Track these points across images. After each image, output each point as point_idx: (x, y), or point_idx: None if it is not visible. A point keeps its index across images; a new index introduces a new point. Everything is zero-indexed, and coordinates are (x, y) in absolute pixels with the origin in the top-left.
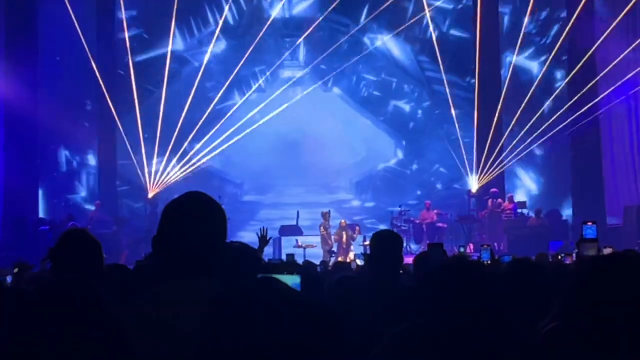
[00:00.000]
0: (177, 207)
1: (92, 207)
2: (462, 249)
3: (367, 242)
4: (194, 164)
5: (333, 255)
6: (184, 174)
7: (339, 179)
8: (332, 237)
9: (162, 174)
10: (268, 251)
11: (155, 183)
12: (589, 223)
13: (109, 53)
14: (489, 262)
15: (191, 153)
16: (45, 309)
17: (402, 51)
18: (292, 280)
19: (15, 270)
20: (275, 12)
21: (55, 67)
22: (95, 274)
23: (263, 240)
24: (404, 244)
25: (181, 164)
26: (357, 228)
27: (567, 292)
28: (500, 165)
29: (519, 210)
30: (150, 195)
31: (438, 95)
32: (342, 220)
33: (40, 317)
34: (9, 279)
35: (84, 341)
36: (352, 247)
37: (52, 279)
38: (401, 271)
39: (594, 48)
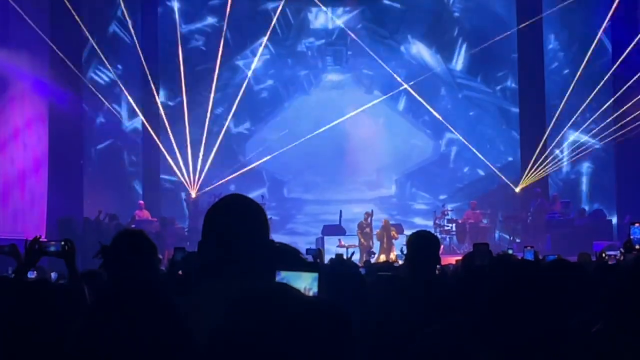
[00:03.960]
0: (219, 211)
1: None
2: (510, 251)
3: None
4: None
5: (373, 255)
6: (233, 175)
7: (382, 178)
8: (374, 236)
9: (205, 175)
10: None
11: (197, 182)
12: (637, 224)
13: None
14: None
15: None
16: (115, 309)
17: (433, 60)
18: (310, 277)
19: None
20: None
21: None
22: (150, 275)
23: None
24: (447, 244)
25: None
26: (394, 230)
27: (612, 293)
28: (544, 165)
29: (563, 210)
30: (193, 194)
31: (469, 99)
32: (385, 220)
33: (111, 317)
34: (53, 276)
35: (152, 342)
36: (393, 247)
37: (116, 279)
38: (438, 272)
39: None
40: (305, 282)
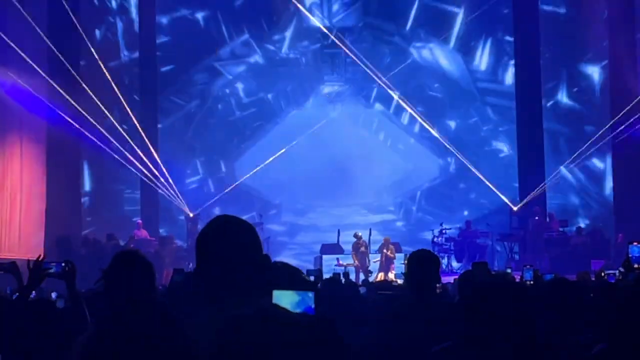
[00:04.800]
0: (209, 235)
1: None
2: (509, 270)
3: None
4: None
5: (370, 274)
6: (222, 193)
7: (381, 197)
8: (375, 254)
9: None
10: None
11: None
12: (635, 243)
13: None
14: (531, 281)
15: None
16: (118, 329)
17: (451, 61)
18: (306, 296)
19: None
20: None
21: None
22: (150, 294)
23: None
24: (446, 263)
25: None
26: (390, 249)
27: (614, 313)
28: (542, 184)
29: (561, 229)
30: (191, 214)
31: (491, 107)
32: (385, 237)
33: (115, 336)
34: (53, 295)
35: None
36: (392, 266)
37: (114, 300)
38: (439, 290)
39: None
40: (302, 301)
